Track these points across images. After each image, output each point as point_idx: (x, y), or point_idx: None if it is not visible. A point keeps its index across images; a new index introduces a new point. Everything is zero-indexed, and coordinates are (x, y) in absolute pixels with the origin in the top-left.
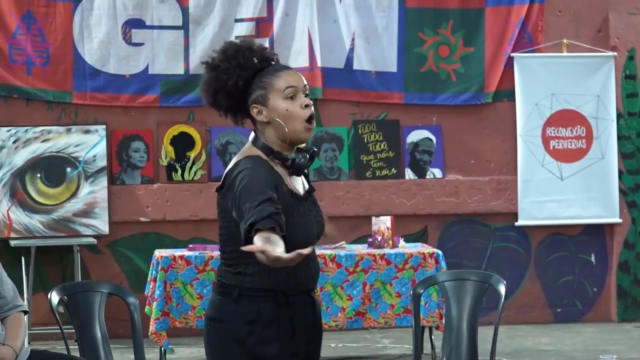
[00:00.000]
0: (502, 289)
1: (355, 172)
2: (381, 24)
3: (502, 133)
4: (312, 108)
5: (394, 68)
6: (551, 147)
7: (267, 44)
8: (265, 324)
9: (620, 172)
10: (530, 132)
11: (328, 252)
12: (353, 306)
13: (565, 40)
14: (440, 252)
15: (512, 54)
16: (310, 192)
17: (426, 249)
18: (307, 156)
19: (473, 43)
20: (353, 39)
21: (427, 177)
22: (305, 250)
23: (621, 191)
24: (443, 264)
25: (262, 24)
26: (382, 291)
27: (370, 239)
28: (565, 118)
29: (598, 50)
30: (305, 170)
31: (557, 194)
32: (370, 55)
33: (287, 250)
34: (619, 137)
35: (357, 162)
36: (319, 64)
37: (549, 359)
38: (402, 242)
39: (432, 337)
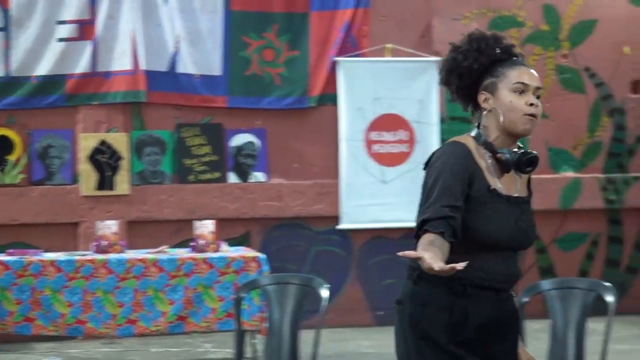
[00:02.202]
0: (324, 293)
1: (178, 175)
2: (205, 27)
3: (326, 137)
4: (539, 109)
5: (218, 71)
6: (374, 151)
7: (90, 47)
8: (437, 308)
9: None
10: (353, 136)
11: (149, 256)
12: (175, 310)
13: (389, 45)
14: (263, 256)
15: (337, 58)
16: (524, 198)
17: (249, 252)
18: (519, 154)
19: (298, 47)
20: (177, 42)
21: (251, 181)
22: (459, 265)
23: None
24: (266, 267)
25: (85, 26)
26: (204, 295)
27: (193, 243)
28: (388, 122)
29: (421, 55)
30: (528, 176)
31: (380, 197)
32: (194, 58)
33: (473, 244)
34: (441, 142)
35: (180, 166)
36: (143, 67)
37: None
38: (225, 246)
39: (254, 341)
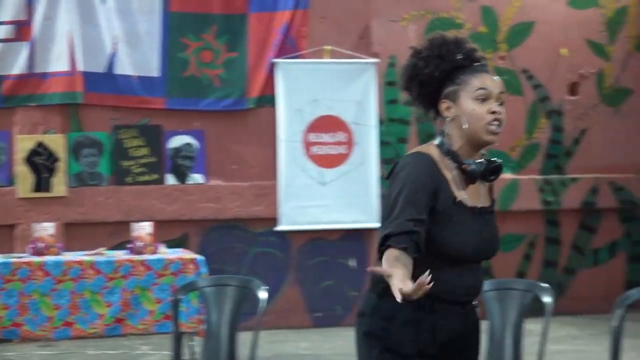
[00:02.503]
0: (263, 294)
1: (116, 177)
2: (143, 28)
3: (264, 138)
4: (502, 115)
5: (156, 73)
6: (312, 153)
7: (27, 48)
8: (403, 324)
9: (381, 178)
10: (292, 137)
11: (86, 258)
12: (112, 313)
13: (327, 47)
14: (201, 258)
15: (275, 60)
16: (487, 208)
17: (187, 254)
18: (485, 164)
19: (236, 48)
20: (115, 43)
21: (189, 182)
22: (426, 286)
23: (381, 196)
24: (204, 269)
25: (22, 27)
26: (141, 297)
27: (130, 245)
28: (326, 124)
29: (360, 57)
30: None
31: (318, 199)
32: (132, 59)
33: (438, 257)
34: (380, 143)
35: (117, 168)
36: (80, 68)
37: None
38: (162, 248)
39: (192, 343)
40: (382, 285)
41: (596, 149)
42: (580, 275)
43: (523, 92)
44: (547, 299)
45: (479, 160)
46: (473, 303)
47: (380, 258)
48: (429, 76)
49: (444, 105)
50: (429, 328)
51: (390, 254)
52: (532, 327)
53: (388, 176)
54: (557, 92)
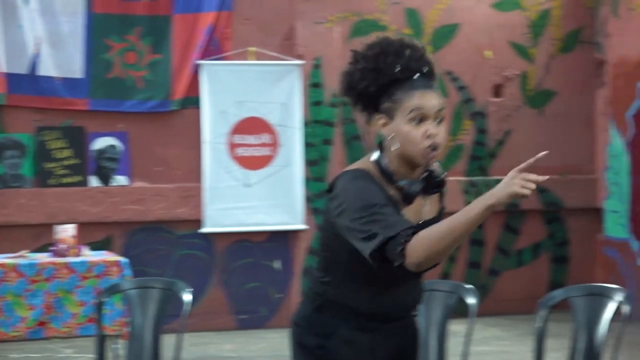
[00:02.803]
0: (187, 297)
1: (39, 179)
2: (67, 30)
3: (189, 140)
4: (439, 138)
5: (79, 74)
6: (237, 155)
7: None
8: (340, 342)
9: (305, 179)
10: (217, 139)
11: (8, 261)
12: (34, 316)
13: (252, 48)
14: (125, 260)
15: (199, 62)
16: (433, 219)
17: (111, 257)
18: (421, 184)
19: (160, 50)
20: (38, 44)
21: (113, 184)
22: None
23: (307, 198)
24: (128, 271)
25: None
26: (64, 300)
27: (53, 248)
28: (251, 126)
29: (284, 59)
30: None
31: (243, 201)
32: (55, 60)
33: (377, 279)
34: (305, 145)
35: (40, 170)
36: (2, 69)
37: None
38: (86, 250)
39: (116, 345)
40: (320, 299)
41: (520, 151)
42: (504, 276)
43: (448, 93)
44: (471, 300)
45: (418, 180)
46: (416, 315)
47: (381, 259)
48: (364, 90)
49: (380, 121)
50: (367, 347)
51: (417, 237)
52: (457, 328)
53: (330, 189)
54: (481, 94)
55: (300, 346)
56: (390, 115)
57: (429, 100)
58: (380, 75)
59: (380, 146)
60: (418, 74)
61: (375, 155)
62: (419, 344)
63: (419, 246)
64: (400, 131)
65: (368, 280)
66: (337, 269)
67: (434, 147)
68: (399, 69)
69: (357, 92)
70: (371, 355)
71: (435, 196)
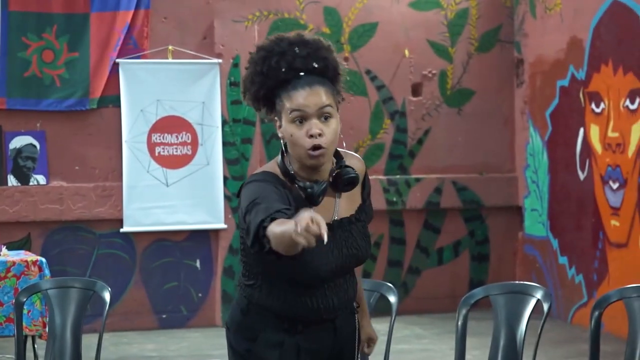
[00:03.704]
0: (107, 296)
1: None
2: None
3: (108, 139)
4: (324, 138)
5: None
6: (157, 154)
7: None
8: (266, 345)
9: (225, 178)
10: (136, 138)
11: None
12: None
13: (170, 47)
14: (44, 260)
15: (118, 60)
16: (349, 217)
17: (29, 256)
18: (325, 185)
19: (78, 48)
20: None
21: (31, 183)
22: (320, 229)
23: (226, 197)
24: (47, 271)
25: None
26: None
27: None
28: (170, 124)
29: (203, 57)
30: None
31: (163, 200)
32: None
33: (294, 282)
34: (224, 144)
35: None
36: None
37: None
38: (4, 250)
39: (35, 346)
40: (246, 302)
41: (439, 150)
42: (424, 275)
43: (367, 92)
44: (391, 299)
45: (323, 180)
46: (352, 311)
47: (260, 251)
48: (256, 94)
49: (276, 123)
50: (293, 350)
51: (275, 224)
52: (378, 327)
53: (238, 194)
54: (400, 92)
55: (231, 349)
56: (279, 117)
57: (309, 98)
58: (267, 78)
59: (284, 147)
60: (303, 73)
61: (279, 157)
62: (356, 342)
63: (271, 233)
64: (286, 133)
65: (287, 282)
66: (256, 272)
67: (316, 147)
68: (284, 69)
69: (252, 97)
70: (297, 357)
71: (355, 192)
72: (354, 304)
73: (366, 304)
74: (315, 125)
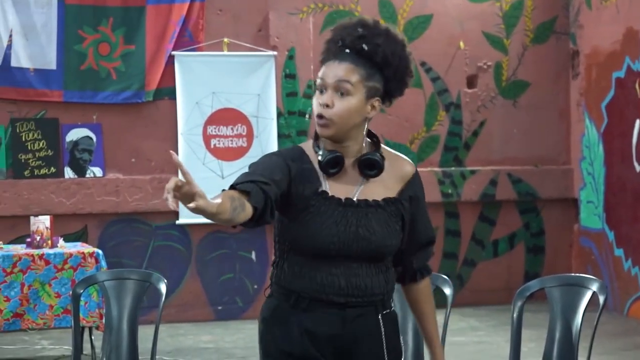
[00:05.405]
0: (163, 288)
1: (14, 171)
2: (40, 21)
3: (163, 131)
4: (330, 110)
5: (53, 65)
6: (212, 146)
7: None
8: (274, 322)
9: None
10: (191, 130)
11: None
12: (10, 308)
13: (226, 39)
14: (100, 252)
15: (173, 52)
16: (372, 202)
17: (86, 248)
18: (333, 155)
19: (134, 41)
20: (10, 36)
21: (87, 175)
22: (170, 204)
23: None
24: (103, 263)
25: None
26: (41, 292)
27: (28, 239)
28: (226, 117)
29: (258, 50)
30: (400, 177)
31: (219, 192)
32: (28, 52)
33: (304, 252)
34: (279, 136)
35: (15, 161)
36: None
37: (209, 357)
38: (61, 242)
39: (92, 337)
40: (271, 283)
41: (494, 142)
42: (480, 267)
43: (422, 84)
44: (447, 291)
45: (328, 150)
46: (371, 308)
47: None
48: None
49: None
50: (296, 327)
51: (227, 192)
52: None
53: None
54: (455, 84)
55: (260, 337)
56: None
57: (332, 70)
58: (328, 50)
59: None
60: (349, 50)
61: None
62: (392, 346)
63: None
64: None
65: (296, 252)
66: (277, 250)
67: (320, 116)
68: (339, 44)
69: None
70: (300, 335)
71: (392, 184)
72: (388, 304)
73: (439, 338)
74: (328, 95)
